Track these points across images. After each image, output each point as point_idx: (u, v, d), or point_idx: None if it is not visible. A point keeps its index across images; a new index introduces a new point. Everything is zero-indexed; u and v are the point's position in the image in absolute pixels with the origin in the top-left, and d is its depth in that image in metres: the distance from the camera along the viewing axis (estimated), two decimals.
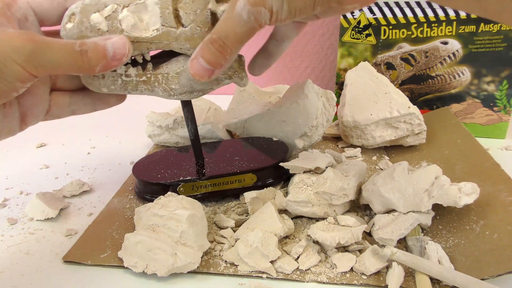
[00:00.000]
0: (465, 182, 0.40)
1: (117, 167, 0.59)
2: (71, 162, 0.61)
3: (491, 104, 0.63)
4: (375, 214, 0.43)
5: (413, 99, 0.66)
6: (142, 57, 0.43)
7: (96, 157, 0.62)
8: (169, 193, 0.44)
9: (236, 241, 0.41)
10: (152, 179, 0.48)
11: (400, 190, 0.41)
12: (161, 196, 0.43)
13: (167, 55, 0.46)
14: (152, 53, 0.44)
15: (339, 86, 0.68)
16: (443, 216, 0.43)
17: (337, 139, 0.64)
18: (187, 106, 0.49)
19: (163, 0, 0.41)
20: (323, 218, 0.43)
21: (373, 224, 0.41)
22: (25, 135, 0.69)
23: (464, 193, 0.40)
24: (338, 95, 0.68)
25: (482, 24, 0.59)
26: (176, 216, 0.40)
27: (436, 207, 0.42)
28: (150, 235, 0.39)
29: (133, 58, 0.43)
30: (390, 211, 0.43)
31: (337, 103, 0.65)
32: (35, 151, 0.64)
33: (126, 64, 0.43)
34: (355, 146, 0.60)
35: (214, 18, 0.43)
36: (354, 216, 0.43)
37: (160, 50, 0.46)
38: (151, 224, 0.40)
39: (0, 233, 0.45)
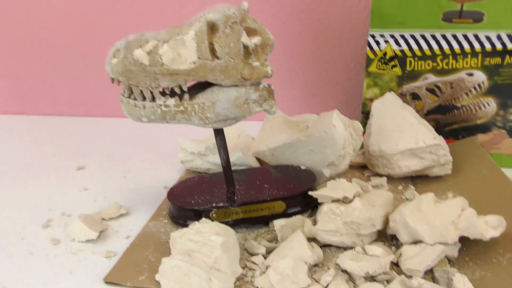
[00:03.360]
0: (492, 215, 0.41)
1: (151, 191, 0.62)
2: (108, 185, 0.64)
3: None
4: (402, 244, 0.44)
5: (439, 129, 0.67)
6: (179, 88, 0.46)
7: (132, 181, 0.65)
8: (203, 219, 0.46)
9: (267, 268, 0.43)
10: (186, 205, 0.51)
11: (427, 221, 0.42)
12: (196, 222, 0.46)
13: (202, 86, 0.49)
14: (189, 84, 0.47)
15: (365, 115, 0.70)
16: (470, 248, 0.44)
17: (363, 167, 0.65)
18: (219, 134, 0.52)
19: (199, 35, 0.44)
20: (351, 247, 0.44)
21: (400, 254, 0.43)
22: (65, 158, 0.74)
23: (491, 226, 0.41)
24: (364, 124, 0.69)
25: (507, 57, 0.60)
26: (211, 242, 0.42)
27: (463, 239, 0.43)
28: (186, 259, 0.41)
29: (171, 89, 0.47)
30: (417, 241, 0.44)
31: (363, 133, 0.66)
32: (75, 174, 0.68)
33: (164, 95, 0.47)
34: (381, 175, 0.61)
35: (246, 50, 0.46)
36: (382, 246, 0.44)
37: (196, 81, 0.49)
38: (186, 249, 0.42)
39: (45, 252, 0.48)
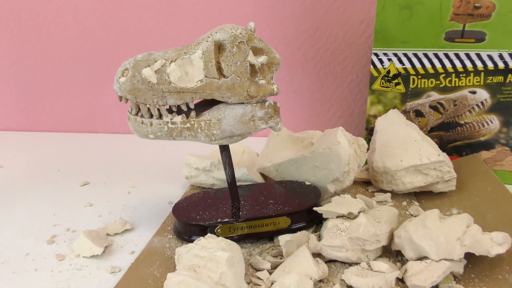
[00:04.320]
0: (497, 232, 0.41)
1: (156, 206, 0.62)
2: (113, 201, 0.64)
3: None
4: (407, 260, 0.44)
5: (442, 146, 0.67)
6: (186, 106, 0.47)
7: (136, 196, 0.65)
8: (208, 234, 0.46)
9: (272, 284, 0.43)
10: (191, 220, 0.51)
11: (432, 237, 0.42)
12: (201, 238, 0.46)
13: (208, 103, 0.50)
14: (195, 101, 0.48)
15: (369, 132, 0.70)
16: (475, 265, 0.44)
17: (368, 183, 0.66)
18: (225, 150, 0.52)
19: (206, 54, 0.45)
20: (357, 263, 0.44)
21: (406, 270, 0.43)
22: (71, 174, 0.74)
23: (496, 243, 0.41)
24: (368, 140, 0.70)
25: (510, 75, 0.61)
26: (216, 257, 0.42)
27: (468, 255, 0.43)
28: (192, 275, 0.41)
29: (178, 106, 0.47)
30: (422, 258, 0.44)
31: (367, 149, 0.67)
32: (79, 190, 0.68)
33: (171, 113, 0.47)
34: (385, 191, 0.62)
35: (252, 69, 0.47)
36: (387, 262, 0.44)
37: (203, 99, 0.50)
38: (192, 265, 0.42)
39: (50, 268, 0.48)
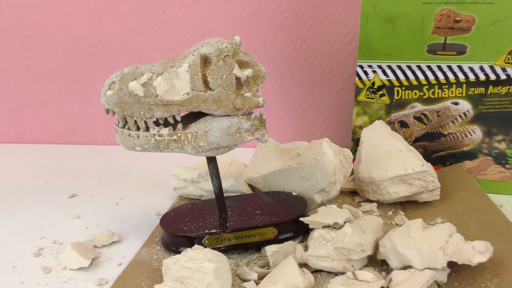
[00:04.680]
0: (478, 241, 0.42)
1: (144, 218, 0.62)
2: (101, 213, 0.64)
3: (503, 161, 0.65)
4: (392, 269, 0.45)
5: (427, 156, 0.69)
6: (173, 118, 0.47)
7: (124, 208, 0.65)
8: (195, 245, 0.47)
9: None
10: (179, 232, 0.51)
11: (416, 247, 0.43)
12: (189, 249, 0.46)
13: (195, 116, 0.50)
14: (182, 114, 0.49)
15: (355, 142, 0.71)
16: (459, 273, 0.44)
17: (354, 193, 0.66)
18: (212, 162, 0.53)
19: (193, 67, 0.45)
20: (342, 273, 0.45)
21: (390, 279, 0.43)
22: (57, 185, 0.74)
23: (478, 252, 0.41)
24: (354, 151, 0.71)
25: (490, 87, 0.62)
26: (203, 268, 0.42)
27: (452, 264, 0.44)
28: (178, 286, 0.41)
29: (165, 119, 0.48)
30: (406, 267, 0.44)
31: (353, 159, 0.68)
32: (66, 202, 0.68)
33: (158, 125, 0.48)
34: (371, 201, 0.62)
35: (238, 81, 0.47)
36: (372, 271, 0.45)
37: (189, 111, 0.50)
38: (179, 276, 0.43)
39: (36, 281, 0.48)
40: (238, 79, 0.47)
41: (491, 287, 0.41)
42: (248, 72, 0.48)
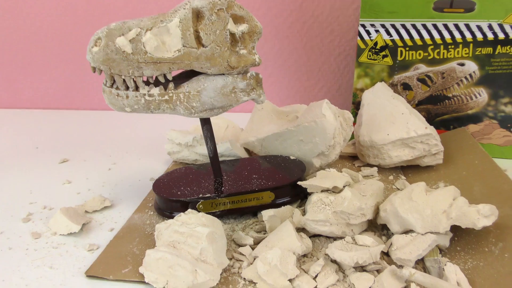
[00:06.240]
0: (484, 204, 0.41)
1: (137, 183, 0.60)
2: (93, 178, 0.62)
3: (509, 125, 0.63)
4: (393, 234, 0.43)
5: (430, 119, 0.66)
6: (164, 77, 0.45)
7: (117, 173, 0.63)
8: (189, 210, 0.45)
9: (254, 259, 0.42)
10: (172, 196, 0.49)
11: (418, 210, 0.42)
12: (182, 213, 0.44)
13: (187, 75, 0.48)
14: (174, 73, 0.46)
15: (356, 106, 0.69)
16: (461, 238, 0.43)
17: (354, 158, 0.64)
18: (206, 124, 0.50)
19: (184, 22, 0.42)
20: (341, 237, 0.43)
21: (391, 244, 0.42)
22: (48, 151, 0.72)
23: (483, 215, 0.40)
24: (355, 114, 0.68)
25: (499, 46, 0.59)
26: (196, 233, 0.41)
27: (454, 228, 0.42)
28: (171, 251, 0.40)
29: (155, 78, 0.45)
30: (407, 231, 0.43)
31: (354, 123, 0.65)
32: (57, 167, 0.66)
33: (148, 84, 0.45)
34: (371, 165, 0.61)
35: (233, 38, 0.44)
36: (372, 236, 0.43)
37: (181, 70, 0.47)
38: (171, 241, 0.41)
39: (24, 247, 0.46)
40: (232, 35, 0.44)
41: (495, 252, 0.40)
42: (243, 27, 0.44)
